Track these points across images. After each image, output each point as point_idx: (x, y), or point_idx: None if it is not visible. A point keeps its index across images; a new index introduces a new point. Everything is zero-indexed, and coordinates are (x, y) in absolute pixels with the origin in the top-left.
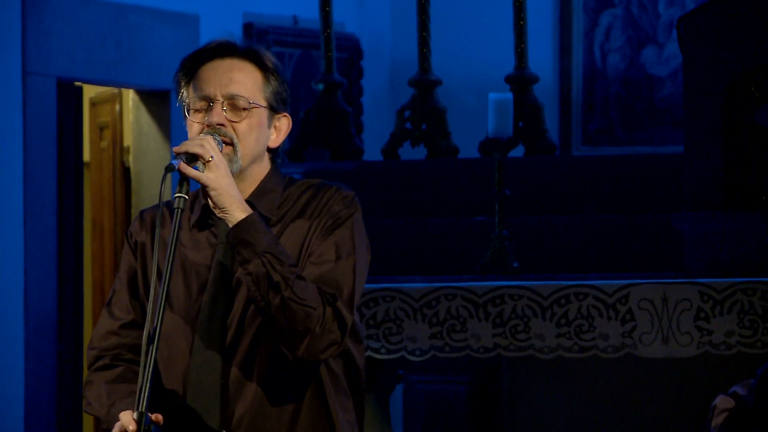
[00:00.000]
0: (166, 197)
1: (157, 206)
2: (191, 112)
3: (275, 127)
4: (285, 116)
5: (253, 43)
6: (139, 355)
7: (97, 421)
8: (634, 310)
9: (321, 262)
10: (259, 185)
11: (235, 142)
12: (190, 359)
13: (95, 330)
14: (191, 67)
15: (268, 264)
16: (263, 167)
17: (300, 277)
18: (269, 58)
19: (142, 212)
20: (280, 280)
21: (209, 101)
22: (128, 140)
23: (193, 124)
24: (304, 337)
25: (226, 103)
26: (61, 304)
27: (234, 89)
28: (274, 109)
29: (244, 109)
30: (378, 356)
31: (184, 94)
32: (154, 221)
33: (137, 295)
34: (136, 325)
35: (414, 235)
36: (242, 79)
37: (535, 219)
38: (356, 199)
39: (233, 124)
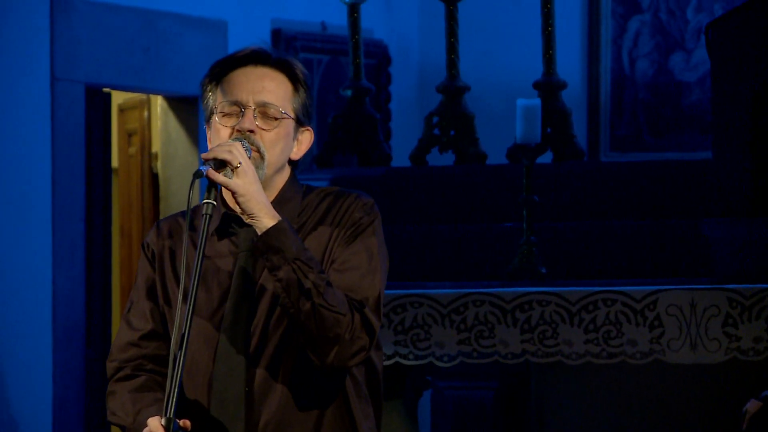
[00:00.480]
0: (194, 203)
1: (173, 216)
2: (220, 115)
3: (298, 140)
4: (308, 130)
5: (285, 53)
6: (160, 366)
7: (123, 430)
8: (663, 316)
9: (345, 269)
10: (279, 194)
11: (262, 150)
12: (214, 367)
13: (114, 342)
14: (222, 71)
15: (299, 270)
16: (283, 177)
17: (329, 283)
18: (300, 69)
19: (158, 223)
20: (311, 287)
21: (241, 107)
22: (156, 146)
23: (221, 128)
24: (333, 343)
25: (257, 110)
26: (89, 310)
27: (266, 97)
28: (300, 122)
29: (275, 118)
30: (406, 362)
31: (211, 98)
32: (171, 231)
33: (157, 304)
34: (156, 335)
35: (442, 241)
36: (274, 89)
37: (563, 225)
38: (376, 207)
39: (262, 132)
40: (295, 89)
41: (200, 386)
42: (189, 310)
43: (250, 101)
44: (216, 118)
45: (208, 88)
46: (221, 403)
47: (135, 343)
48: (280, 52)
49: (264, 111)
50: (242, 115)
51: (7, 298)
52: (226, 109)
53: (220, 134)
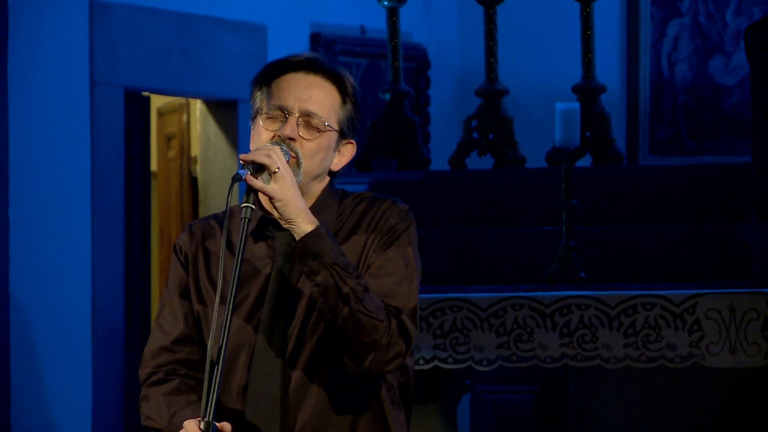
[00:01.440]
0: (233, 205)
1: (205, 219)
2: (263, 117)
3: (339, 152)
4: (351, 143)
5: (337, 64)
6: (193, 370)
7: None
8: (702, 320)
9: (381, 275)
10: (316, 201)
11: (300, 158)
12: (250, 370)
13: (146, 348)
14: (273, 73)
15: (337, 276)
16: (321, 185)
17: (366, 289)
18: (351, 82)
19: (190, 225)
20: (350, 292)
21: (285, 112)
22: (195, 150)
23: (263, 130)
24: (370, 349)
25: (301, 118)
26: (128, 314)
27: (312, 107)
28: (343, 135)
29: (318, 129)
30: (445, 366)
31: (258, 98)
32: (203, 234)
33: (190, 308)
34: (189, 339)
35: (481, 245)
36: (321, 99)
37: (602, 229)
38: (411, 213)
39: (303, 140)
40: (343, 101)
41: (235, 389)
42: (228, 314)
43: (295, 109)
44: (260, 120)
45: (257, 88)
46: (256, 407)
47: (168, 348)
48: (333, 62)
49: (308, 120)
50: (285, 122)
51: (47, 301)
52: (271, 113)
53: (261, 137)
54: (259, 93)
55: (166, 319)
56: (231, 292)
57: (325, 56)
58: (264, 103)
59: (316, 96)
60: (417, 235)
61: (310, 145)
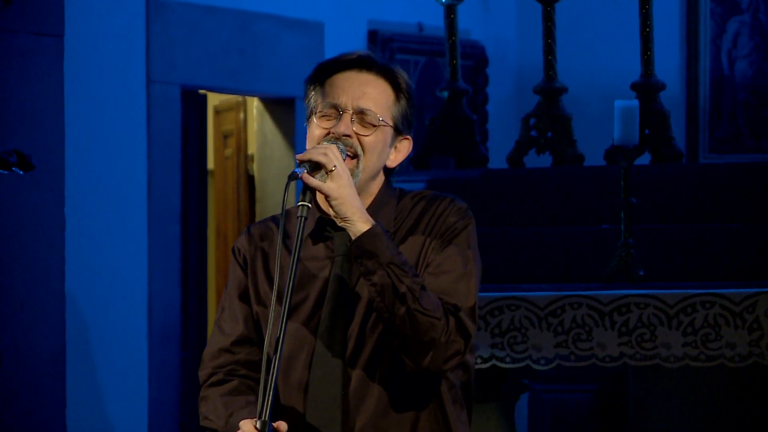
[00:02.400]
0: (289, 205)
1: (264, 221)
2: (318, 116)
3: (396, 148)
4: (407, 139)
5: (390, 61)
6: (253, 371)
7: None
8: (761, 318)
9: (440, 273)
10: (374, 199)
11: (359, 154)
12: (310, 371)
13: (206, 349)
14: (326, 72)
15: (393, 275)
16: (378, 183)
17: (423, 287)
18: (404, 78)
19: (248, 227)
20: (407, 291)
21: (339, 110)
22: (252, 148)
23: (318, 128)
24: (428, 347)
25: (355, 115)
26: (185, 313)
27: (365, 104)
28: (398, 131)
29: (373, 125)
30: (503, 365)
31: (312, 97)
32: (262, 236)
33: (249, 309)
34: (249, 340)
35: (539, 244)
36: (375, 96)
37: (661, 227)
38: (470, 211)
39: (360, 136)
40: (397, 98)
41: (296, 390)
42: (284, 313)
43: (349, 106)
44: (314, 118)
45: (311, 87)
46: (317, 407)
47: (227, 349)
48: (386, 60)
49: (362, 117)
50: (339, 119)
51: (103, 301)
52: (325, 111)
53: (315, 135)
54: (312, 92)
55: (226, 322)
56: (287, 291)
57: (378, 53)
58: (318, 102)
59: (369, 93)
60: (476, 233)
61: (367, 140)
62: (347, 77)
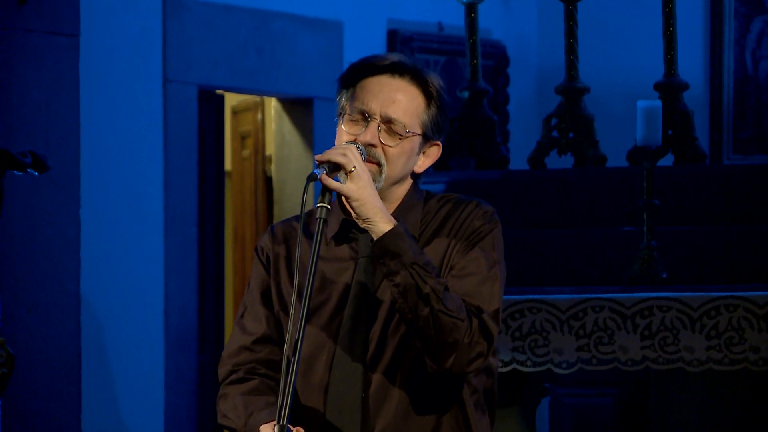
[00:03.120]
0: (308, 206)
1: (288, 221)
2: (345, 119)
3: (424, 153)
4: (437, 145)
5: (422, 66)
6: (273, 370)
7: None
8: None
9: (464, 275)
10: (400, 203)
11: (382, 163)
12: (331, 373)
13: (227, 347)
14: (359, 74)
15: (417, 275)
16: (404, 188)
17: (447, 288)
18: (436, 85)
19: (272, 227)
20: (430, 292)
21: (367, 116)
22: (270, 149)
23: (344, 133)
24: (452, 349)
25: (382, 124)
26: (202, 315)
27: (394, 113)
28: (427, 137)
29: (400, 135)
30: (524, 369)
31: (343, 98)
32: (285, 236)
33: (271, 309)
34: (270, 340)
35: (560, 246)
36: (405, 104)
37: (684, 229)
38: (496, 215)
39: (385, 147)
40: (428, 105)
41: (316, 392)
42: (302, 315)
43: (377, 114)
44: (342, 121)
45: (342, 88)
46: (337, 410)
47: (248, 347)
48: (420, 65)
49: (389, 126)
50: (366, 127)
51: (119, 304)
52: (353, 116)
53: (341, 139)
54: (344, 93)
55: (247, 321)
56: (306, 293)
57: (411, 58)
58: (348, 105)
59: (399, 100)
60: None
61: (392, 151)
62: (378, 82)
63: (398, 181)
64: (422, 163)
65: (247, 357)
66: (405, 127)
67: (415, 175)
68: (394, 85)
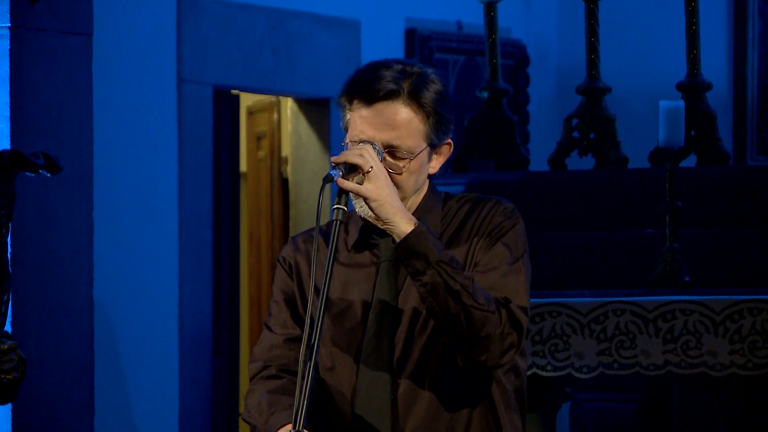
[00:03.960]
0: (325, 208)
1: (308, 232)
2: (349, 145)
3: (436, 155)
4: (447, 144)
5: (417, 78)
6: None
7: (254, 430)
8: None
9: (488, 269)
10: (419, 205)
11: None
12: (358, 377)
13: (258, 345)
14: (356, 97)
15: (444, 273)
16: (422, 192)
17: (474, 282)
18: (430, 98)
19: (293, 238)
20: (460, 289)
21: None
22: (286, 150)
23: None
24: (485, 342)
25: (385, 152)
26: (217, 320)
27: (395, 140)
28: (434, 145)
29: (405, 158)
30: (544, 373)
31: (345, 117)
32: (306, 246)
33: (297, 314)
34: (299, 340)
35: (581, 248)
36: (404, 126)
37: (707, 231)
38: (517, 211)
39: (392, 175)
40: (426, 117)
41: (344, 397)
42: (317, 320)
43: (378, 142)
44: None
45: (343, 105)
46: (366, 414)
47: (280, 345)
48: (412, 76)
49: (393, 153)
50: None
51: (132, 307)
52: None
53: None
54: (346, 112)
55: (275, 323)
56: (321, 298)
57: (400, 67)
58: (348, 129)
59: (398, 125)
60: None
61: (401, 178)
62: (375, 110)
63: (415, 191)
64: (436, 164)
65: (279, 353)
66: (409, 150)
67: (431, 176)
68: (388, 111)
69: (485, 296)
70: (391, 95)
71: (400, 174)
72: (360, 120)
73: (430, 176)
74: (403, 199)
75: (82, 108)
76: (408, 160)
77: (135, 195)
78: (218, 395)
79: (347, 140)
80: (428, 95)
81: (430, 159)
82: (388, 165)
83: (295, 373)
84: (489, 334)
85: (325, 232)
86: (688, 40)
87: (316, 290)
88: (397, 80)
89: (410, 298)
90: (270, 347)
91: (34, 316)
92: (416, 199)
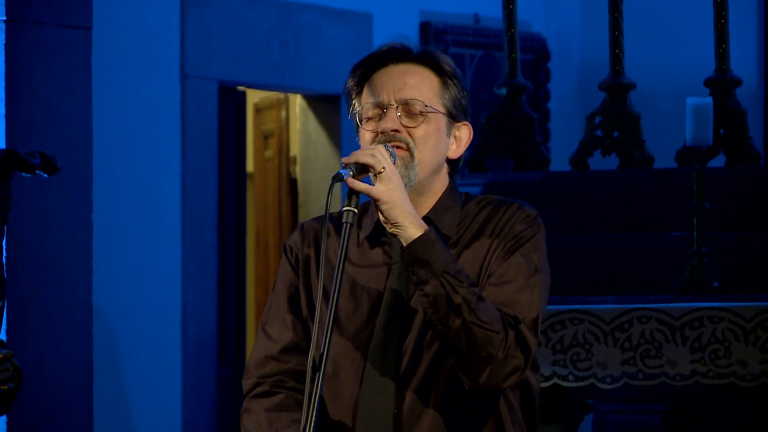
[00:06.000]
0: (334, 209)
1: (319, 218)
2: (363, 120)
3: (455, 137)
4: (466, 125)
5: (428, 46)
6: (301, 382)
7: None
8: None
9: (502, 283)
10: (438, 201)
11: (411, 146)
12: (361, 386)
13: (252, 356)
14: (362, 74)
15: (448, 285)
16: (442, 181)
17: (480, 298)
18: (447, 62)
19: (302, 225)
20: (462, 303)
21: (382, 108)
22: (295, 149)
23: (366, 132)
24: (486, 363)
25: (400, 108)
26: (222, 326)
27: (408, 94)
28: (453, 117)
29: (421, 113)
30: (565, 384)
31: (356, 104)
32: (317, 235)
33: (299, 313)
34: (298, 348)
35: (604, 252)
36: (417, 84)
37: (737, 234)
38: (539, 219)
39: (409, 129)
40: (443, 82)
41: (345, 407)
42: (328, 327)
43: (392, 100)
44: (362, 126)
45: (353, 94)
46: (368, 425)
47: (275, 357)
48: (423, 45)
49: (408, 108)
50: (385, 116)
51: (134, 314)
52: (370, 113)
53: (364, 139)
54: (355, 100)
55: (273, 326)
56: (331, 304)
57: (412, 42)
58: (361, 107)
59: (411, 82)
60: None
61: (418, 132)
62: (385, 72)
63: (435, 169)
64: (455, 148)
65: (273, 368)
66: (424, 104)
67: (451, 164)
68: (401, 70)
69: (491, 314)
70: (401, 53)
71: (417, 127)
72: (370, 87)
73: (451, 164)
74: (421, 166)
75: (80, 105)
76: (423, 115)
77: (136, 196)
78: (223, 407)
79: (362, 128)
80: (445, 61)
81: (448, 135)
82: (404, 122)
83: (291, 388)
84: (490, 354)
85: (335, 220)
86: (716, 34)
87: (325, 295)
88: (406, 44)
89: (422, 305)
90: (264, 360)
91: (30, 323)
92: (435, 189)
